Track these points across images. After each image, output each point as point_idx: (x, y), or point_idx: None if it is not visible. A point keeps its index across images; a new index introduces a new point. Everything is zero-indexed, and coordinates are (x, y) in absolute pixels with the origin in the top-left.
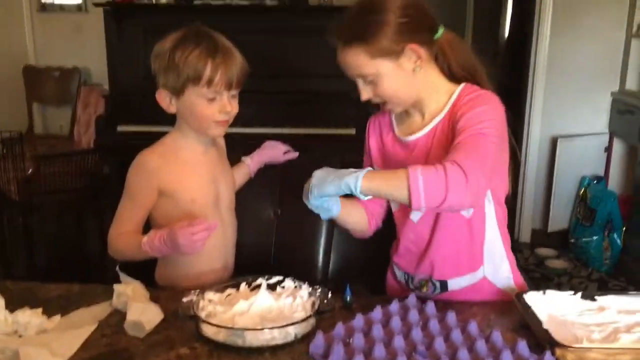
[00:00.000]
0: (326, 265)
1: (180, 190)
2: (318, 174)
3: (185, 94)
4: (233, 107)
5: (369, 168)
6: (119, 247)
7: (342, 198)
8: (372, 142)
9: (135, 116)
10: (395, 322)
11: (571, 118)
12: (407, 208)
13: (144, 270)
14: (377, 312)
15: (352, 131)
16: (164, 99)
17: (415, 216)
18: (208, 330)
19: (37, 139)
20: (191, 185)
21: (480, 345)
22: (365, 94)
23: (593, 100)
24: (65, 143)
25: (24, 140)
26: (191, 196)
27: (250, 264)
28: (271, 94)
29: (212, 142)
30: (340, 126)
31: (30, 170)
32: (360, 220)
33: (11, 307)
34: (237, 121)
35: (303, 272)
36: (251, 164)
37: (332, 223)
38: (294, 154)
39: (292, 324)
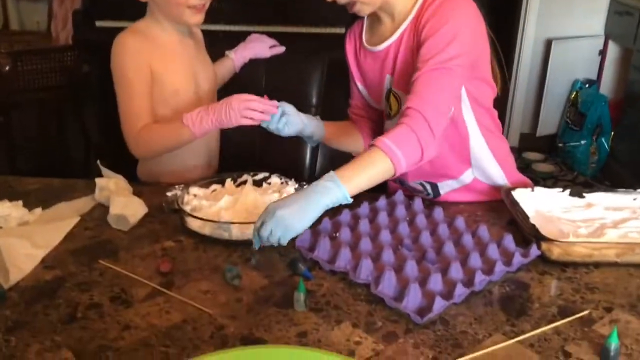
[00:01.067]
0: (313, 164)
1: (165, 78)
2: (279, 215)
3: None
4: None
5: (332, 172)
6: (149, 138)
7: (332, 128)
8: (350, 56)
9: (114, 10)
10: (382, 217)
11: (567, 19)
12: (386, 117)
13: (125, 168)
14: (364, 208)
15: (342, 30)
16: None
17: (388, 124)
18: (193, 224)
19: (13, 35)
20: (174, 74)
21: (467, 240)
22: None
23: (590, 0)
24: (42, 39)
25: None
26: (174, 87)
27: (235, 163)
28: None
29: (188, 32)
30: (329, 25)
31: (7, 67)
32: (357, 145)
33: None
34: (220, 18)
35: (290, 171)
36: (235, 58)
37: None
38: (280, 49)
39: None
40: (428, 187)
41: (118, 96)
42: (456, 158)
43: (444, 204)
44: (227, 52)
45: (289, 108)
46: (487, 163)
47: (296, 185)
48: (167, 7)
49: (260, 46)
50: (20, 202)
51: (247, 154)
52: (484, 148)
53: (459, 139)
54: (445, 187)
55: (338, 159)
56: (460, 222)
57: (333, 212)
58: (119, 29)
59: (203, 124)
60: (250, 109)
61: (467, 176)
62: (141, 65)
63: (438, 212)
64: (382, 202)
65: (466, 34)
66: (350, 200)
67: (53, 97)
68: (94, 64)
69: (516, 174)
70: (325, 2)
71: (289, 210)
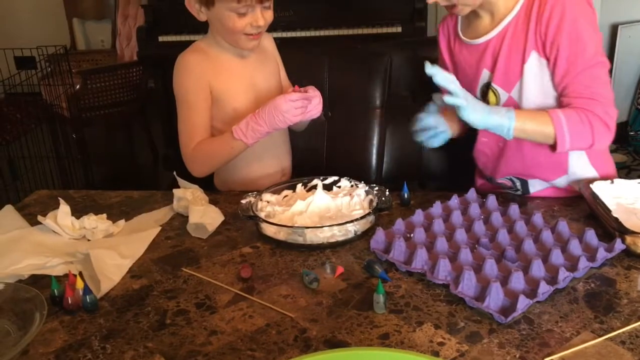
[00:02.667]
0: (379, 167)
1: (225, 97)
2: (469, 99)
3: (215, 5)
4: (266, 19)
5: (512, 109)
6: (202, 154)
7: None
8: (443, 48)
9: (176, 25)
10: (456, 216)
11: (633, 3)
12: None
13: (200, 179)
14: (437, 207)
15: (399, 29)
16: (193, 7)
17: None
18: (268, 230)
19: (80, 55)
20: (234, 92)
21: (547, 236)
22: None
23: None
24: (108, 58)
25: (68, 56)
26: (233, 105)
27: (303, 168)
28: None
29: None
30: (386, 25)
31: (77, 86)
32: None
33: (76, 214)
34: (277, 26)
35: (356, 174)
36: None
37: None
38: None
39: (352, 221)
40: (518, 183)
41: (178, 114)
42: (552, 164)
43: (519, 200)
44: None
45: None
46: (584, 170)
47: (366, 188)
48: (225, 34)
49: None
50: (104, 215)
51: (314, 160)
52: (583, 157)
53: None
54: (537, 186)
55: (404, 160)
56: (538, 218)
57: (405, 213)
58: (181, 43)
59: (255, 134)
60: (297, 107)
61: (560, 182)
62: (201, 85)
63: (513, 209)
64: (454, 201)
65: (595, 27)
66: (510, 134)
67: (121, 112)
68: (158, 78)
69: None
70: (381, 2)
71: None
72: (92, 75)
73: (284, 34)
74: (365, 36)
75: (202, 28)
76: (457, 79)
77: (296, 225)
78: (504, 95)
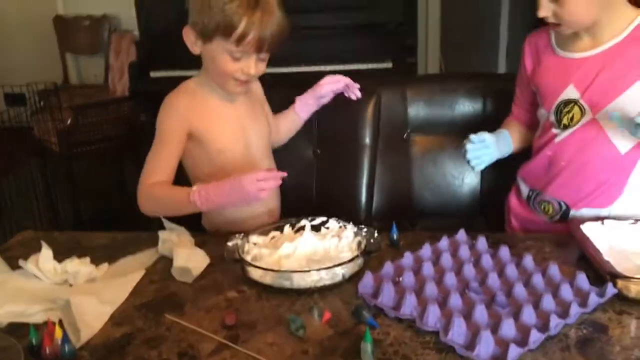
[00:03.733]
0: (369, 204)
1: (208, 138)
2: None
3: (212, 42)
4: (258, 70)
5: None
6: (154, 196)
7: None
8: (528, 62)
9: (167, 61)
10: (446, 259)
11: None
12: (552, 126)
13: (187, 217)
14: (426, 250)
15: (389, 65)
16: (189, 38)
17: (559, 137)
18: (255, 274)
19: (73, 89)
20: (218, 134)
21: (537, 280)
22: (545, 11)
23: None
24: (100, 92)
25: (59, 91)
26: (218, 146)
27: (292, 206)
28: (302, 29)
29: None
30: (376, 61)
31: (68, 121)
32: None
33: (59, 257)
34: (269, 61)
35: (346, 212)
36: (298, 106)
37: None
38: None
39: (340, 264)
40: (561, 210)
41: (151, 148)
42: (607, 187)
43: (508, 240)
44: (297, 98)
45: (488, 135)
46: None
47: (355, 229)
48: (214, 73)
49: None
50: (87, 259)
51: (304, 197)
52: None
53: (625, 168)
54: (577, 216)
55: (394, 198)
56: (528, 261)
57: (394, 255)
58: (173, 79)
59: (211, 205)
60: (264, 182)
61: (604, 211)
62: (180, 127)
63: (504, 252)
64: (444, 242)
65: None
66: None
67: (112, 147)
68: (150, 114)
69: None
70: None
71: None
72: (83, 111)
73: (273, 70)
74: (356, 72)
75: (194, 64)
76: (533, 90)
77: (283, 269)
78: (588, 114)
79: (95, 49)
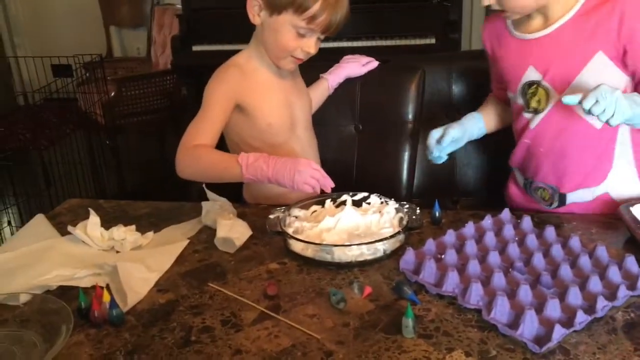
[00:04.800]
0: (410, 181)
1: (257, 111)
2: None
3: (280, 15)
4: (316, 49)
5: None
6: (196, 158)
7: (489, 115)
8: (488, 46)
9: (210, 35)
10: (489, 238)
11: None
12: (522, 110)
13: (228, 189)
14: (470, 228)
15: (432, 41)
16: (254, 7)
17: (533, 122)
18: (296, 246)
19: (116, 62)
20: (267, 108)
21: (584, 261)
22: (487, 0)
23: None
24: (143, 65)
25: (104, 64)
26: (267, 120)
27: (333, 178)
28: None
29: None
30: (419, 36)
31: (112, 94)
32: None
33: (106, 224)
34: None
35: (386, 189)
36: (330, 79)
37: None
38: (373, 64)
39: (381, 240)
40: (556, 196)
41: (196, 115)
42: (592, 165)
43: (553, 220)
44: (321, 75)
45: (456, 131)
46: (628, 168)
47: (396, 205)
48: (273, 47)
49: (354, 65)
50: (133, 227)
51: (344, 173)
52: (629, 151)
53: (605, 143)
54: (574, 198)
55: (436, 176)
56: (575, 242)
57: (436, 233)
58: (215, 53)
59: (257, 173)
60: (314, 178)
61: (599, 189)
62: (227, 96)
63: (549, 232)
64: (487, 221)
65: None
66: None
67: (154, 120)
68: (191, 87)
69: None
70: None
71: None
72: (126, 83)
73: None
74: (398, 47)
75: (236, 39)
76: (499, 73)
77: (324, 242)
78: (554, 96)
79: (138, 22)
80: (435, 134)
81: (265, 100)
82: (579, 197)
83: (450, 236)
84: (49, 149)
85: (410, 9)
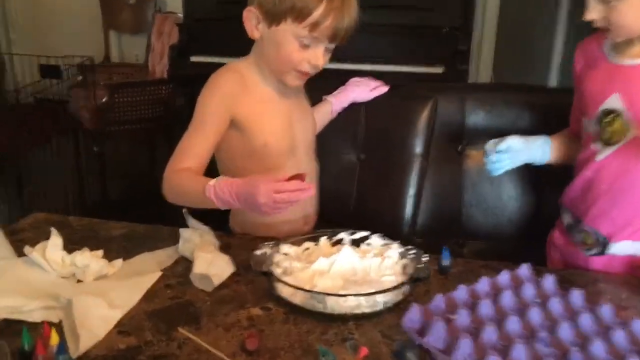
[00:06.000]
0: (414, 219)
1: (253, 129)
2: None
3: (280, 25)
4: (324, 61)
5: None
6: (176, 184)
7: (560, 145)
8: (578, 67)
9: (209, 46)
10: (507, 298)
11: None
12: (592, 140)
13: (214, 215)
14: (484, 284)
15: (440, 70)
16: (251, 20)
17: (600, 155)
18: (284, 291)
19: (113, 67)
20: (265, 127)
21: (619, 337)
22: (594, 13)
23: None
24: (140, 72)
25: (96, 67)
26: (264, 139)
27: (329, 212)
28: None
29: None
30: (426, 64)
31: (104, 99)
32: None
33: (71, 247)
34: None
35: (387, 224)
36: (335, 103)
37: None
38: (382, 89)
39: (382, 291)
40: (599, 243)
41: (188, 128)
42: None
43: (577, 279)
44: (325, 97)
45: (516, 141)
46: None
47: (401, 249)
48: (275, 62)
49: (361, 90)
50: (100, 252)
51: (342, 205)
52: None
53: None
54: (617, 249)
55: (443, 215)
56: (607, 311)
57: (444, 285)
58: (213, 65)
59: (226, 204)
60: (281, 200)
61: None
62: (221, 110)
63: (577, 297)
64: (504, 277)
65: None
66: None
67: (147, 128)
68: (187, 98)
69: None
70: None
71: None
72: (119, 89)
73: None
74: (404, 74)
75: (236, 52)
76: (581, 97)
77: (316, 289)
78: (632, 131)
79: (139, 28)
80: (494, 139)
81: (264, 116)
82: (622, 249)
83: (462, 292)
84: (33, 152)
85: (419, 35)
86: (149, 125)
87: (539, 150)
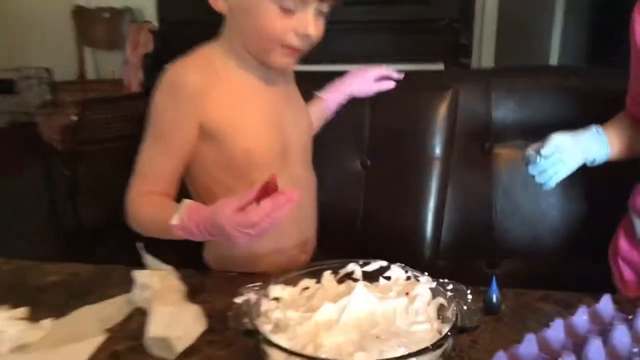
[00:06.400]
0: (436, 237)
1: (230, 133)
2: None
3: None
4: (317, 30)
5: None
6: (137, 212)
7: (618, 137)
8: (638, 37)
9: (187, 51)
10: (595, 349)
11: None
12: None
13: (184, 247)
14: (558, 329)
15: (440, 66)
16: None
17: None
18: (276, 356)
19: (87, 84)
20: (245, 127)
21: None
22: None
23: None
24: (115, 87)
25: (61, 85)
26: (243, 144)
27: (331, 234)
28: (342, 22)
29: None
30: (426, 61)
31: (74, 117)
32: None
33: None
34: (308, 58)
35: (404, 247)
36: (328, 99)
37: None
38: (388, 84)
39: (418, 352)
40: None
41: (144, 141)
42: None
43: None
44: (316, 94)
45: (559, 138)
46: None
47: (432, 284)
48: (253, 40)
49: (361, 81)
50: (23, 310)
51: (346, 223)
52: None
53: None
54: None
55: (470, 230)
56: None
57: (498, 331)
58: None
59: (194, 237)
60: (247, 222)
61: None
62: (185, 117)
63: None
64: (582, 317)
65: None
66: None
67: (123, 146)
68: None
69: None
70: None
71: None
72: (91, 106)
73: (305, 67)
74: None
75: None
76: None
77: (323, 351)
78: None
79: (115, 44)
80: (533, 144)
81: (243, 112)
82: None
83: (531, 346)
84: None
85: (416, 31)
86: (126, 142)
87: (595, 143)
